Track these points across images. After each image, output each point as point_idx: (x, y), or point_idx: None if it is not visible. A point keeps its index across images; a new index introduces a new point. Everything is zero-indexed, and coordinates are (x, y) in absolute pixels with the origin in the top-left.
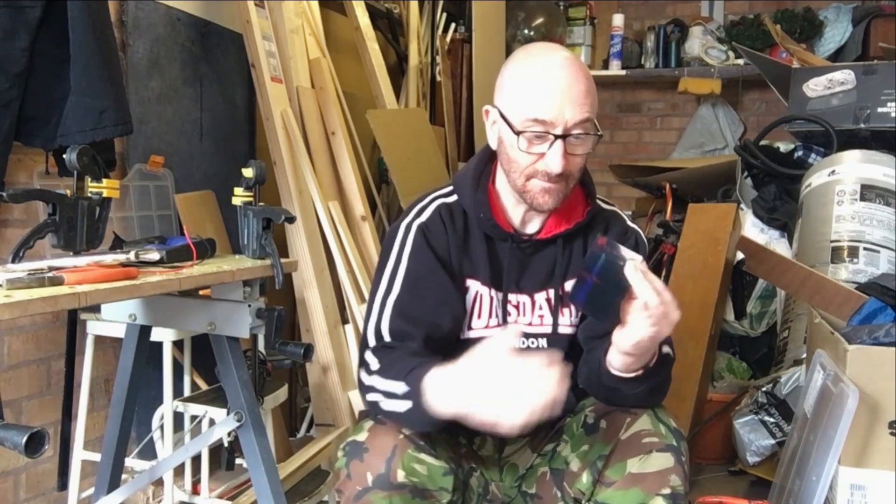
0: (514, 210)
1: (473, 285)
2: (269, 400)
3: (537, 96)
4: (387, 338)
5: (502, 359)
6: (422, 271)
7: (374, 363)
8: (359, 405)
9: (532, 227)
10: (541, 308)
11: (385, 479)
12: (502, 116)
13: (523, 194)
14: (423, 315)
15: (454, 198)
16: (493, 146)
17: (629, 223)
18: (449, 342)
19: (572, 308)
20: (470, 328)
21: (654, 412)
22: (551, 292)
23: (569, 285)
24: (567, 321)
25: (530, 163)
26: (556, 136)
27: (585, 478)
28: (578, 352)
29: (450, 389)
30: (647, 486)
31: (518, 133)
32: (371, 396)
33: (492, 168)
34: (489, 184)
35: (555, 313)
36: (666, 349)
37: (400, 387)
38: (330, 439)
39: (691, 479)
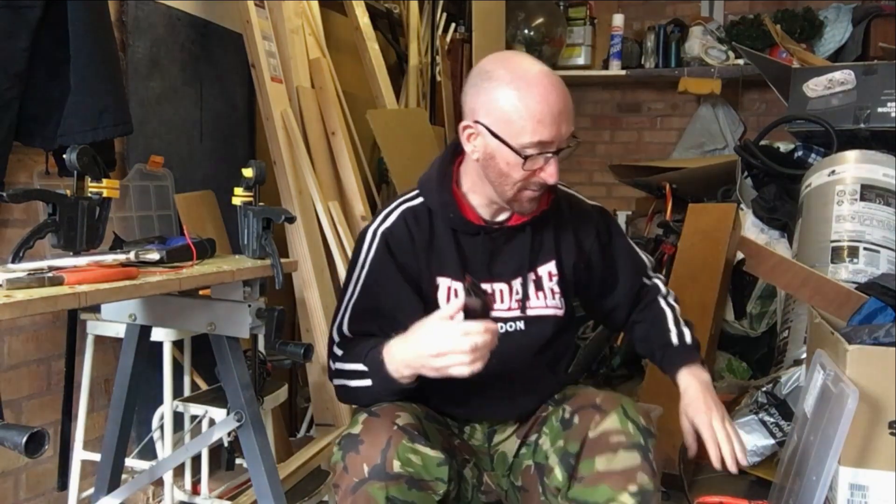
0: (483, 210)
1: (444, 282)
2: (269, 400)
3: (541, 121)
4: (347, 334)
5: (432, 321)
6: (380, 278)
7: (339, 352)
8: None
9: (500, 218)
10: (517, 293)
11: (381, 469)
12: (494, 135)
13: (511, 203)
14: (376, 316)
15: (419, 200)
16: (475, 158)
17: (588, 203)
18: None
19: (547, 291)
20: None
21: (624, 409)
22: (525, 276)
23: (542, 269)
24: (542, 303)
25: (525, 177)
26: (553, 152)
27: (560, 473)
28: (562, 332)
29: (399, 357)
30: (613, 482)
31: (524, 156)
32: (338, 381)
33: (453, 170)
34: (452, 185)
35: (524, 298)
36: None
37: (359, 367)
38: (330, 439)
39: (692, 478)
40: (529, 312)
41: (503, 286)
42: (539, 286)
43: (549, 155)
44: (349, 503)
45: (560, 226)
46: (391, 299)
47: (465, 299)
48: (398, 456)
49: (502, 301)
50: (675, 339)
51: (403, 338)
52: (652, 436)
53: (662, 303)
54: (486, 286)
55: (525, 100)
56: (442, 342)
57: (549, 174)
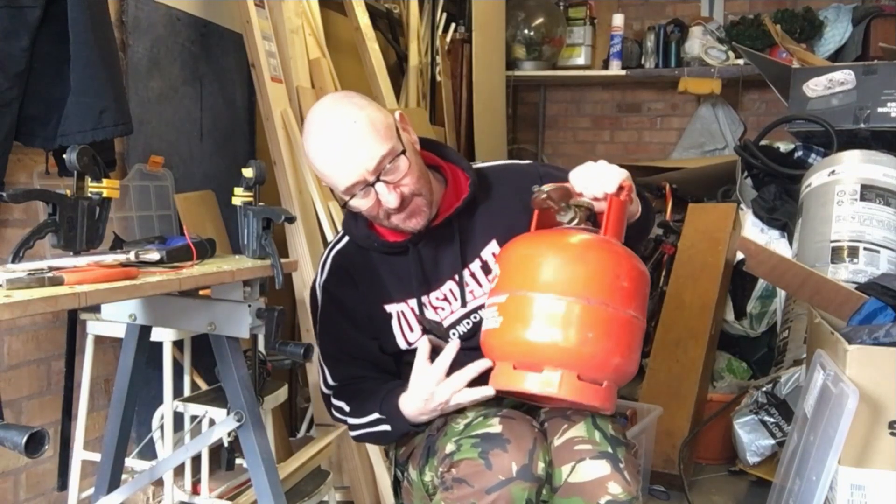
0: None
1: (393, 308)
2: (269, 400)
3: (333, 173)
4: (335, 384)
5: (417, 379)
6: (335, 329)
7: (345, 407)
8: None
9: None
10: (468, 285)
11: (528, 470)
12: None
13: (397, 230)
14: (351, 360)
15: (346, 240)
16: None
17: (521, 163)
18: (393, 355)
19: (496, 271)
20: (409, 344)
21: (593, 418)
22: (469, 268)
23: (484, 253)
24: (484, 291)
25: (377, 210)
26: (372, 183)
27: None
28: None
29: (415, 411)
30: (586, 495)
31: (348, 204)
32: (357, 432)
33: None
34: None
35: (463, 294)
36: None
37: (375, 416)
38: (330, 439)
39: (691, 479)
40: (481, 301)
41: (451, 286)
42: (487, 270)
43: (371, 187)
44: (484, 501)
45: (492, 201)
46: (354, 342)
47: (426, 338)
48: (541, 458)
49: (455, 300)
50: None
51: (409, 395)
52: (622, 444)
53: None
54: (433, 296)
55: (319, 156)
56: (436, 392)
57: (385, 201)
